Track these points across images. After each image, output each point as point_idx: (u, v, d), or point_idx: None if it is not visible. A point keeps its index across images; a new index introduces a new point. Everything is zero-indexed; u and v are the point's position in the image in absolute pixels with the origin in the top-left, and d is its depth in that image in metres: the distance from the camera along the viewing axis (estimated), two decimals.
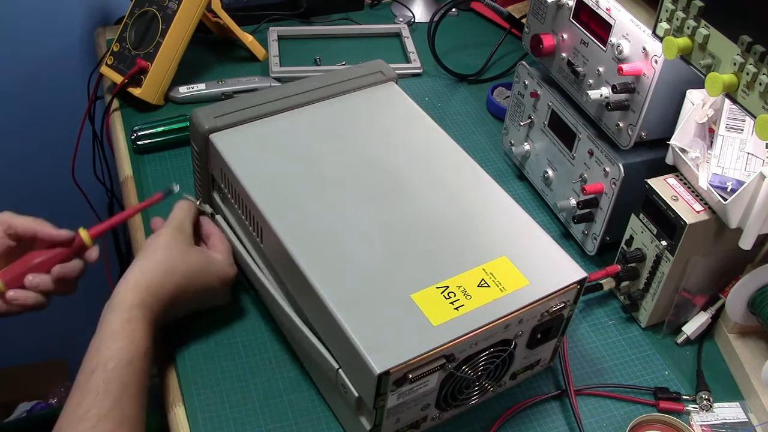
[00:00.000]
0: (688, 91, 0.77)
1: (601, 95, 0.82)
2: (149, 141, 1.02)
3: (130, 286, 0.70)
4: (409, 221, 0.72)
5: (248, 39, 1.18)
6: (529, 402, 0.76)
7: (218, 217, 0.85)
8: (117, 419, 0.63)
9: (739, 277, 0.79)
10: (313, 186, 0.75)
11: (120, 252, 1.33)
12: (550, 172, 0.95)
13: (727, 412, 0.77)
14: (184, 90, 1.11)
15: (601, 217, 0.87)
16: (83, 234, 0.78)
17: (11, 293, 0.75)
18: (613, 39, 0.80)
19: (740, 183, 0.71)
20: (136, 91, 1.07)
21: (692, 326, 0.83)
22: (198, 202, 0.82)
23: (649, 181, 0.78)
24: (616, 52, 0.79)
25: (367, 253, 0.69)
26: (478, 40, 1.30)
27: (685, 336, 0.83)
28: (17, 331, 1.62)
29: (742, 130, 0.75)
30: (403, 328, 0.63)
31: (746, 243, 0.72)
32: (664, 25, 0.68)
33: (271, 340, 0.80)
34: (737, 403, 0.78)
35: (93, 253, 0.79)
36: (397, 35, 1.30)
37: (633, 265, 0.82)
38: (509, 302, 0.66)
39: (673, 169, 0.79)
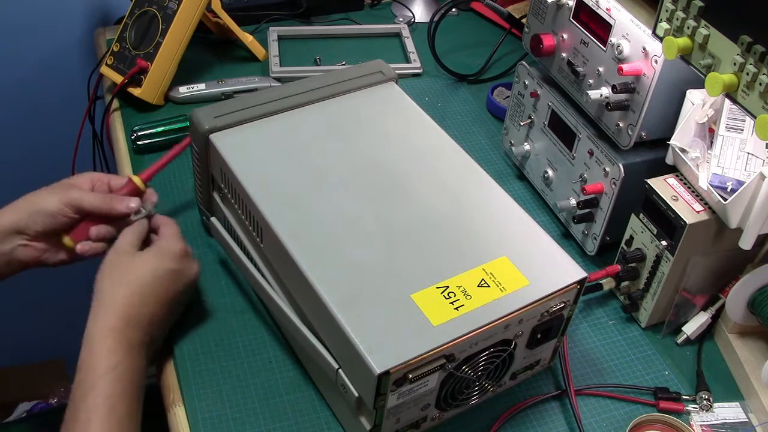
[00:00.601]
0: (688, 91, 0.77)
1: (601, 95, 0.82)
2: (149, 141, 1.02)
3: (90, 317, 0.70)
4: (409, 221, 0.72)
5: (248, 39, 1.18)
6: (529, 402, 0.76)
7: (214, 219, 0.85)
8: None
9: (739, 277, 0.79)
10: (313, 186, 0.75)
11: None
12: (550, 172, 0.95)
13: (727, 412, 0.77)
14: (184, 90, 1.11)
15: (601, 217, 0.87)
16: (136, 180, 0.82)
17: (80, 247, 0.79)
18: (613, 39, 0.80)
19: (740, 183, 0.71)
20: (136, 91, 1.07)
21: (692, 326, 0.83)
22: (147, 211, 0.81)
23: (649, 181, 0.78)
24: (616, 52, 0.79)
25: (367, 253, 0.69)
26: (478, 40, 1.30)
27: (685, 336, 0.83)
28: (17, 331, 1.62)
29: (742, 130, 0.75)
30: (403, 328, 0.63)
31: (746, 243, 0.72)
32: (664, 25, 0.68)
33: (271, 340, 0.80)
34: (737, 403, 0.78)
35: (152, 196, 0.83)
36: (397, 35, 1.30)
37: (633, 265, 0.82)
38: (509, 302, 0.66)
39: (673, 169, 0.79)
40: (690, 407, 0.77)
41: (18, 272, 0.81)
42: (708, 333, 0.84)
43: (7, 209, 0.79)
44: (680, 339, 0.83)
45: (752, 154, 0.74)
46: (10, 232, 0.78)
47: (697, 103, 0.76)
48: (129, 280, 0.72)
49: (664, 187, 0.77)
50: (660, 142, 0.81)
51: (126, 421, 0.66)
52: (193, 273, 0.79)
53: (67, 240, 0.80)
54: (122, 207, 0.79)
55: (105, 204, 0.79)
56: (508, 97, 1.07)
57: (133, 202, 0.80)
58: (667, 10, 0.67)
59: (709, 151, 0.76)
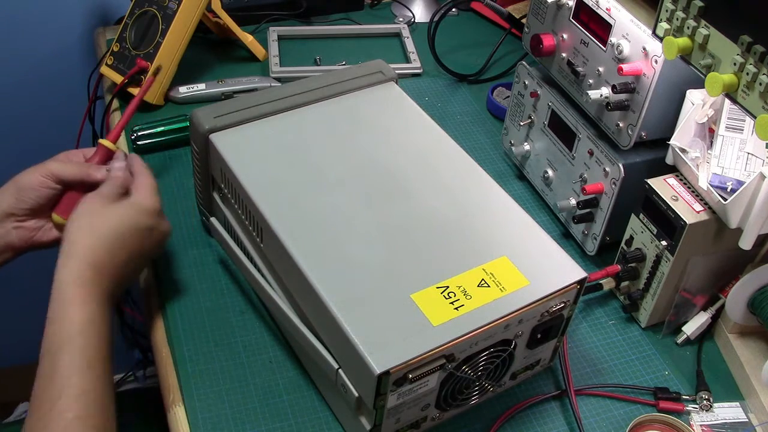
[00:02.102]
0: (688, 91, 0.77)
1: (601, 95, 0.82)
2: (149, 141, 1.02)
3: (59, 264, 0.69)
4: (409, 221, 0.72)
5: (248, 39, 1.18)
6: (529, 402, 0.76)
7: (213, 219, 0.85)
8: (71, 396, 0.62)
9: (739, 277, 0.79)
10: (314, 186, 0.75)
11: None
12: (550, 172, 0.95)
13: (727, 412, 0.77)
14: (184, 90, 1.11)
15: (601, 217, 0.87)
16: (106, 143, 0.84)
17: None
18: (613, 39, 0.80)
19: (740, 183, 0.71)
20: (136, 91, 1.07)
21: (692, 326, 0.83)
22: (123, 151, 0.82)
23: (649, 181, 0.78)
24: (616, 52, 0.79)
25: (367, 253, 0.69)
26: (478, 40, 1.30)
27: (685, 336, 0.83)
28: (17, 331, 1.62)
29: (742, 130, 0.75)
30: (403, 328, 0.63)
31: (746, 243, 0.72)
32: (664, 25, 0.68)
33: (271, 340, 0.80)
34: (737, 403, 0.78)
35: (120, 154, 0.83)
36: (397, 35, 1.30)
37: (633, 265, 0.82)
38: (509, 302, 0.66)
39: (673, 169, 0.79)
40: (690, 407, 0.77)
41: (11, 260, 0.81)
42: (708, 333, 0.84)
43: None
44: (680, 339, 0.83)
45: (752, 154, 0.74)
46: (1, 216, 0.79)
47: (697, 103, 0.76)
48: (101, 230, 0.72)
49: (664, 187, 0.77)
50: (660, 142, 0.81)
51: (103, 376, 0.65)
52: (165, 230, 0.79)
53: (55, 216, 0.81)
54: (99, 174, 0.80)
55: (82, 172, 0.81)
56: (508, 97, 1.07)
57: (109, 169, 0.81)
58: (667, 10, 0.67)
59: (709, 151, 0.76)
